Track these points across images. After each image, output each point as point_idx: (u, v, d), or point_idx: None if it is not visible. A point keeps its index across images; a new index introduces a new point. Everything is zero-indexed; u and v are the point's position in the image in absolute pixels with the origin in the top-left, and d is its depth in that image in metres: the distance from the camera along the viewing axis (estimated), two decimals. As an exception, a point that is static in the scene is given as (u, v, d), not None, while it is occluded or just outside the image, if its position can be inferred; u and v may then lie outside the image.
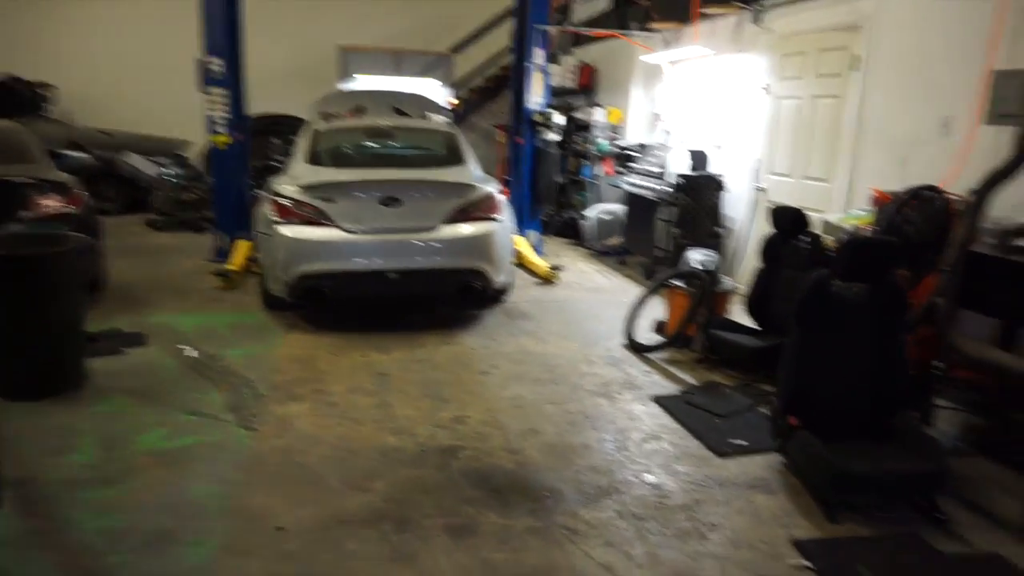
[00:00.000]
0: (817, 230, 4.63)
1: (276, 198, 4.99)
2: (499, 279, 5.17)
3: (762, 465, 3.37)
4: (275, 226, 4.91)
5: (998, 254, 3.59)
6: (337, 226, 4.86)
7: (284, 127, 7.93)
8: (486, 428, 3.66)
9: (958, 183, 3.98)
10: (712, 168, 6.66)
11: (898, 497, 3.05)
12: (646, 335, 4.98)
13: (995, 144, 3.95)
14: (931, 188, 3.94)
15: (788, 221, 4.62)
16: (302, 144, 5.56)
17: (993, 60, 4.08)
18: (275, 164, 5.85)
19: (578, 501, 3.01)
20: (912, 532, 2.85)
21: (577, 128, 9.00)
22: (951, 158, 4.28)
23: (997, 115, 4.07)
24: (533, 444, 3.51)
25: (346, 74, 9.94)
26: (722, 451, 3.49)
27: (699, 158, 6.66)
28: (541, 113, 7.64)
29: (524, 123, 7.70)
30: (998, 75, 4.03)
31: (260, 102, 7.74)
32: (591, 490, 3.10)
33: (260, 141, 7.70)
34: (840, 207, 5.18)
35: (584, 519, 2.87)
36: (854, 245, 3.39)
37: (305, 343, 4.83)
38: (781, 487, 3.18)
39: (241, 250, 6.44)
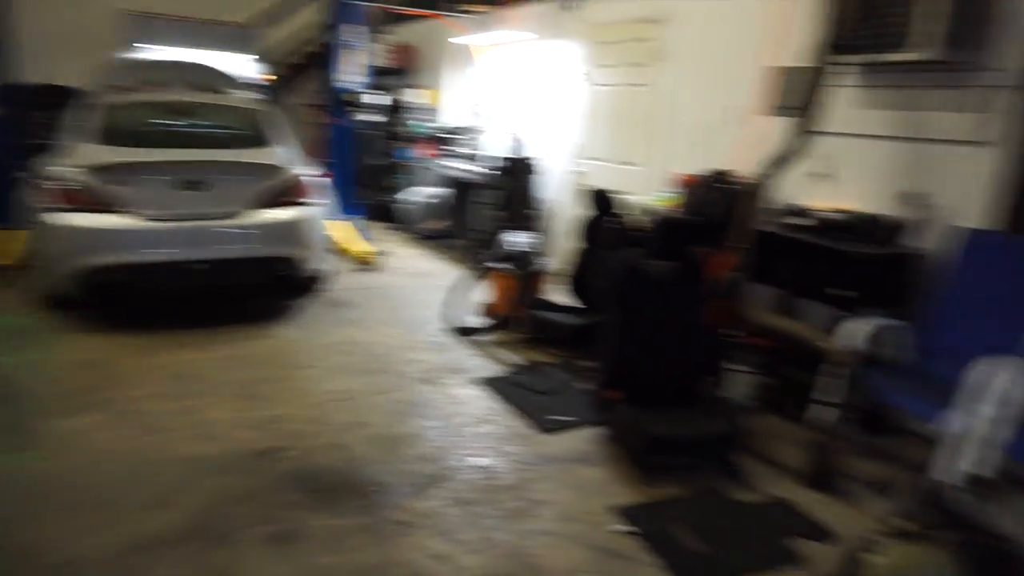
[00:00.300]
0: (631, 212, 4.90)
1: (56, 182, 4.36)
2: (312, 266, 4.92)
3: (585, 439, 3.51)
4: (56, 214, 4.29)
5: (779, 232, 4.00)
6: (131, 213, 4.35)
7: (56, 100, 6.94)
8: (309, 425, 3.47)
9: (750, 167, 4.38)
10: (532, 152, 6.81)
11: (702, 456, 3.31)
12: (470, 318, 5.00)
13: (779, 132, 4.39)
14: (727, 172, 4.30)
15: (602, 203, 4.85)
16: (86, 120, 4.89)
17: (766, 57, 4.52)
18: (47, 142, 5.10)
19: (408, 492, 2.94)
20: (714, 487, 3.11)
21: (397, 109, 8.82)
22: (742, 144, 4.70)
23: (781, 108, 4.52)
24: (359, 438, 3.38)
25: (131, 42, 8.91)
26: (548, 428, 3.59)
27: (518, 141, 6.78)
28: (351, 92, 7.37)
29: (336, 103, 7.38)
30: (784, 72, 4.45)
31: (27, 71, 6.72)
32: (421, 480, 3.05)
33: (27, 116, 6.69)
34: (650, 190, 5.52)
35: (415, 510, 2.82)
36: (667, 226, 3.61)
37: (97, 346, 4.29)
38: (603, 458, 3.33)
39: (10, 241, 5.58)
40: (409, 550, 2.57)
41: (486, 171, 6.73)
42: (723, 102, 4.96)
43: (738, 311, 3.91)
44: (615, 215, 4.77)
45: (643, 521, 2.82)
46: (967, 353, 3.26)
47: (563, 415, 3.72)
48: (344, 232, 6.87)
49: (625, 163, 6.11)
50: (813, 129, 3.72)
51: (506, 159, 6.62)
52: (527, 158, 6.71)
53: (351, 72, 7.33)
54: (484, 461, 3.25)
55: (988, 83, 3.40)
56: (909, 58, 3.55)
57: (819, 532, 2.79)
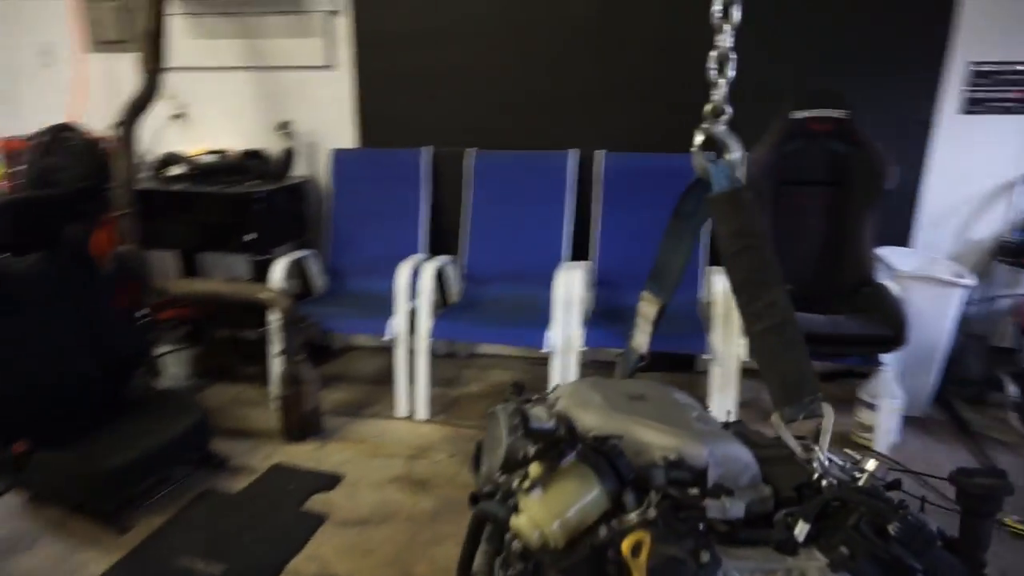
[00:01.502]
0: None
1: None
2: None
3: (1, 519, 2.55)
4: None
5: (160, 187, 3.52)
6: None
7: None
8: None
9: (88, 117, 3.65)
10: None
11: (175, 463, 2.80)
12: None
13: (113, 72, 3.76)
14: (69, 126, 3.47)
15: None
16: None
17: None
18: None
19: None
20: (203, 491, 2.69)
21: None
22: (77, 89, 3.85)
23: (99, 42, 3.85)
24: None
25: None
26: (-70, 531, 2.46)
27: None
28: None
29: None
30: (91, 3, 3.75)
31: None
32: None
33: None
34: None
35: None
36: (14, 208, 2.70)
37: None
38: (40, 532, 2.47)
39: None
40: None
41: None
42: (26, 39, 3.93)
43: (144, 286, 3.34)
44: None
45: (134, 572, 2.24)
46: (367, 264, 3.59)
47: (-53, 502, 2.60)
48: None
49: None
50: (161, 66, 3.28)
51: None
52: None
53: None
54: None
55: (324, 7, 3.55)
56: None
57: (328, 480, 2.72)
